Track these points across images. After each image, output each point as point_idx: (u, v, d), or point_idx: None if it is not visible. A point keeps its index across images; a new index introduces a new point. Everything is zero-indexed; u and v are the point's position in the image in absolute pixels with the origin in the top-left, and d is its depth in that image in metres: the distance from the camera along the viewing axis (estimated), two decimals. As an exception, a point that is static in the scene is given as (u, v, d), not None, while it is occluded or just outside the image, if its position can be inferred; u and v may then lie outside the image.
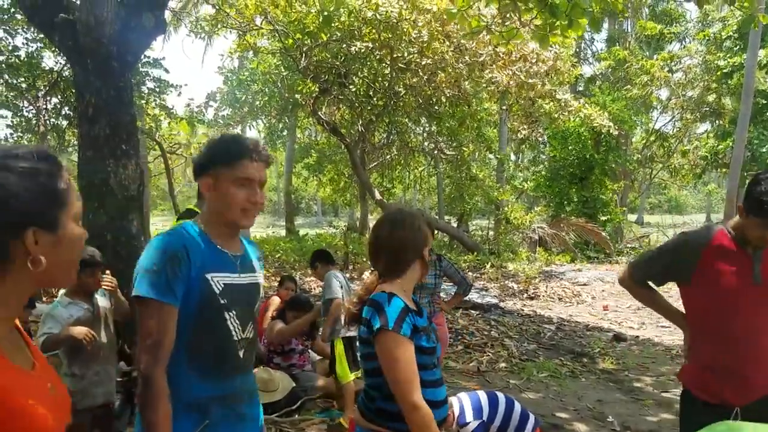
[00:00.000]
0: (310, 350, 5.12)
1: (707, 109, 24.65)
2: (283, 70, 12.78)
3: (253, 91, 13.58)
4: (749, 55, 17.19)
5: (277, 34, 11.38)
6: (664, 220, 36.59)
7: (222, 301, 1.71)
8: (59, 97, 10.82)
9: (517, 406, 3.13)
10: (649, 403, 4.85)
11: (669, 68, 24.42)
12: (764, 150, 19.13)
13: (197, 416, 1.69)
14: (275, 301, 5.26)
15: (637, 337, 7.39)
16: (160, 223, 25.98)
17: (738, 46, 20.50)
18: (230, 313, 1.74)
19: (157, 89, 12.48)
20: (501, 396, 3.18)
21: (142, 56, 10.11)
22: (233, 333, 1.75)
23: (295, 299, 4.88)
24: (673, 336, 7.44)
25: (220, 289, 1.71)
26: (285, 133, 22.29)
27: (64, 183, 1.04)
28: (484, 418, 3.03)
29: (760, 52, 17.56)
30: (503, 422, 3.08)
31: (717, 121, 25.00)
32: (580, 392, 5.12)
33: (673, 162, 26.88)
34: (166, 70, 11.86)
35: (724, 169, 22.00)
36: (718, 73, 21.55)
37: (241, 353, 1.78)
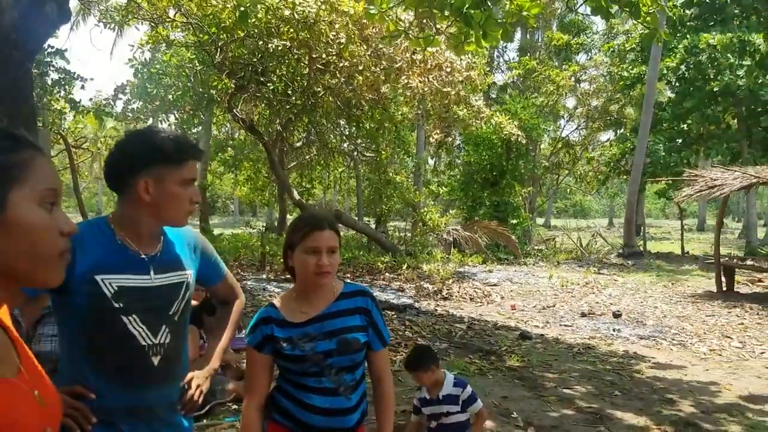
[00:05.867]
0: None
1: (610, 118, 26.18)
2: (197, 64, 12.44)
3: (164, 85, 13.12)
4: (650, 66, 18.41)
5: (191, 28, 11.06)
6: (569, 223, 38.46)
7: (116, 305, 1.62)
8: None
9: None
10: (552, 399, 5.07)
11: (576, 78, 25.70)
12: (659, 148, 20.46)
13: (104, 429, 1.60)
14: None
15: (542, 335, 7.72)
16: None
17: (640, 58, 21.88)
18: (130, 318, 1.64)
19: (62, 81, 11.82)
20: None
21: (46, 46, 9.56)
22: (138, 338, 1.65)
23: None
24: (575, 335, 7.84)
25: (113, 291, 1.61)
26: (200, 128, 21.68)
27: (17, 158, 0.90)
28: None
29: (660, 65, 18.86)
30: None
31: (619, 130, 26.62)
32: (488, 389, 5.29)
33: (578, 169, 28.34)
34: (67, 61, 11.26)
35: (625, 176, 23.47)
36: (621, 83, 22.92)
37: (155, 360, 1.67)
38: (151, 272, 1.69)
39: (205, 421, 4.17)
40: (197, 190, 1.74)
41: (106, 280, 1.61)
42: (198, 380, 1.82)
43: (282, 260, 2.11)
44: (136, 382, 1.66)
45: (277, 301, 2.05)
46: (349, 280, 2.28)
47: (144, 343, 1.67)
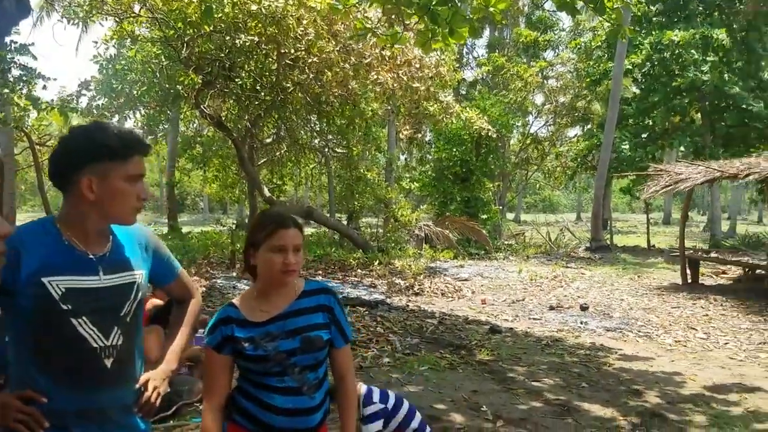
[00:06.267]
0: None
1: (577, 114, 26.55)
2: (163, 59, 12.22)
3: (130, 81, 12.86)
4: (616, 63, 18.70)
5: (156, 23, 10.87)
6: (538, 218, 38.94)
7: (65, 307, 1.58)
8: None
9: (406, 404, 3.35)
10: (521, 392, 5.12)
11: (543, 75, 25.99)
12: (625, 147, 20.85)
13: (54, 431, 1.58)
14: (154, 302, 4.99)
15: (512, 329, 7.79)
16: (30, 219, 23.90)
17: (606, 55, 22.21)
18: (80, 320, 1.60)
19: (25, 78, 11.46)
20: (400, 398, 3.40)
21: (8, 41, 9.28)
22: (89, 340, 1.62)
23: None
24: (543, 328, 7.94)
25: (61, 293, 1.58)
26: (167, 125, 21.31)
27: None
28: (389, 406, 3.23)
29: (625, 61, 19.17)
30: (404, 421, 3.27)
31: (586, 126, 27.02)
32: (458, 383, 5.33)
33: (547, 164, 28.70)
34: (34, 57, 10.91)
35: (592, 171, 23.82)
36: (588, 80, 23.26)
37: (107, 362, 1.64)
38: (100, 273, 1.66)
39: (171, 422, 4.11)
40: (144, 187, 1.69)
41: (53, 282, 1.58)
42: (155, 382, 1.78)
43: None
44: (86, 384, 1.63)
45: (236, 301, 2.02)
46: (320, 277, 2.26)
47: (96, 345, 1.63)
